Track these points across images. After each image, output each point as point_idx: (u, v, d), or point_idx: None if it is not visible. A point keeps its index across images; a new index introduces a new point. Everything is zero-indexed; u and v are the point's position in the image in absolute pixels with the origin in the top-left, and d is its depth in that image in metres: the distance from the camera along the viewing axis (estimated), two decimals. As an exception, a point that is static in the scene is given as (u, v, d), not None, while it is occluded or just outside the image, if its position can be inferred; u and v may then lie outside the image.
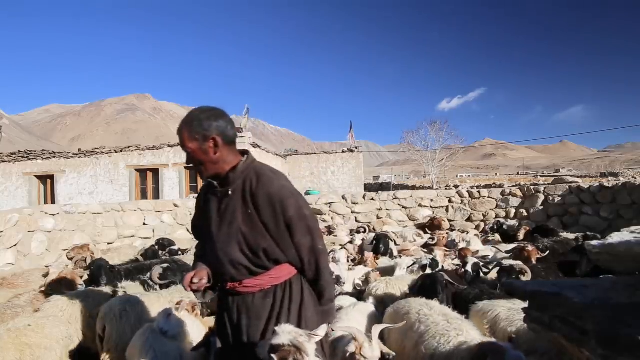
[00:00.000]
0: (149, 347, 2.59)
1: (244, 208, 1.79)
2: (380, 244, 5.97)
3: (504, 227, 7.36)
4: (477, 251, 5.75)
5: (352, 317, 3.09)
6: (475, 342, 2.26)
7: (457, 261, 5.36)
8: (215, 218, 1.85)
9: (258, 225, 1.77)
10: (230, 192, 1.81)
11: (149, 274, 4.51)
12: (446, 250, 6.09)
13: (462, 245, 6.39)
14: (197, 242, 2.09)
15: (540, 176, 40.78)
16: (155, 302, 3.58)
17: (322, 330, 1.72)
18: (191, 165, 1.83)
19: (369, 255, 5.75)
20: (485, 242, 7.02)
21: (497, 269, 4.21)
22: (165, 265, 4.64)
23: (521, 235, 6.86)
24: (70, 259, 6.28)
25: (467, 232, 7.51)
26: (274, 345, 1.61)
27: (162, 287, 4.37)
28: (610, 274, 1.58)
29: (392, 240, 6.25)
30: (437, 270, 4.31)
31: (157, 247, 6.60)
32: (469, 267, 4.30)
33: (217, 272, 1.87)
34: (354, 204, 9.53)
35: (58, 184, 13.61)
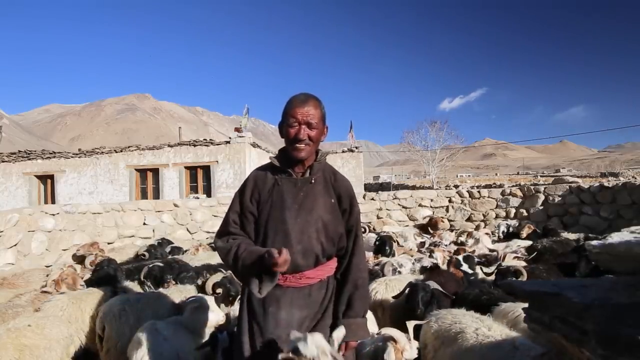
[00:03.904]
0: (144, 347, 2.60)
1: (326, 197, 1.85)
2: (385, 246, 5.96)
3: (511, 229, 7.41)
4: (474, 251, 5.76)
5: None
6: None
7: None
8: (290, 206, 1.80)
9: (338, 215, 1.86)
10: (312, 181, 1.85)
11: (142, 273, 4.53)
12: (449, 252, 6.10)
13: (470, 242, 6.41)
14: (232, 232, 1.86)
15: (541, 176, 40.81)
16: (155, 302, 3.58)
17: (338, 337, 1.69)
18: (301, 138, 1.77)
19: (368, 255, 5.75)
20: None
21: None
22: (160, 264, 4.64)
23: (524, 234, 6.88)
24: (78, 256, 6.24)
25: (467, 232, 7.49)
26: (297, 349, 1.56)
27: (157, 286, 4.38)
28: (610, 274, 1.58)
29: (395, 242, 6.26)
30: (428, 276, 4.07)
31: (157, 246, 6.61)
32: (460, 257, 4.47)
33: None
34: (354, 203, 9.52)
35: (58, 183, 13.62)
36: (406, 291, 3.41)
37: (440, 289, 3.31)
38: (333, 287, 1.88)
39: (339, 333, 1.70)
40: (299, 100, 1.80)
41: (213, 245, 6.70)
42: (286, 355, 1.55)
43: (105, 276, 4.56)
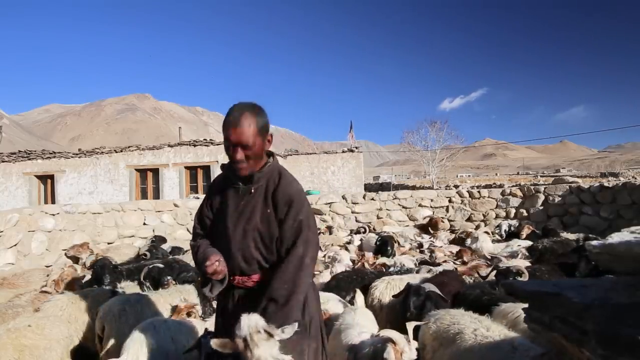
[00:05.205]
0: (136, 344, 2.59)
1: (263, 208, 1.85)
2: (387, 246, 5.97)
3: (512, 228, 7.44)
4: (476, 250, 5.76)
5: (359, 322, 2.92)
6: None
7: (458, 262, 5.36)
8: (232, 214, 1.88)
9: (274, 224, 1.83)
10: (252, 191, 1.86)
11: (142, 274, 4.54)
12: (450, 252, 6.11)
13: (468, 241, 6.39)
14: (199, 233, 2.04)
15: (541, 176, 40.76)
16: (155, 302, 3.58)
17: (290, 329, 1.65)
18: (238, 159, 1.76)
19: (369, 255, 5.76)
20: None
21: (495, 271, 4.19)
22: (160, 265, 4.65)
23: (524, 234, 6.89)
24: (70, 257, 6.28)
25: (467, 232, 7.49)
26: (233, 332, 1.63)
27: (156, 286, 4.38)
28: (610, 274, 1.58)
29: (396, 242, 6.26)
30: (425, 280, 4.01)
31: (155, 245, 6.62)
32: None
33: (227, 266, 1.88)
34: (354, 203, 9.54)
35: (58, 183, 13.62)
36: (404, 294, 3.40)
37: (438, 291, 3.28)
38: None
39: (292, 326, 1.69)
40: (231, 121, 1.75)
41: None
42: (218, 342, 1.63)
43: (94, 276, 4.61)
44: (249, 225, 1.84)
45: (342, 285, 4.10)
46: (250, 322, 1.61)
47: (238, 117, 1.75)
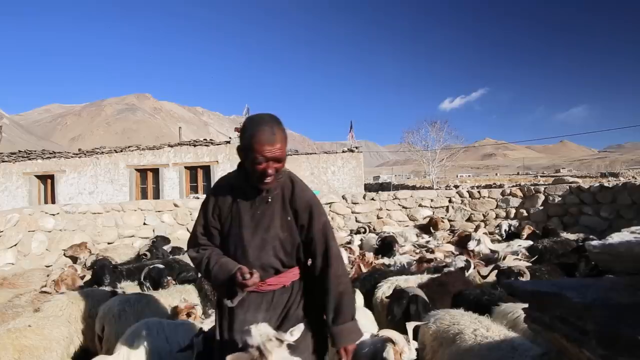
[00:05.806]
0: (129, 343, 2.60)
1: (283, 215, 1.86)
2: (392, 247, 5.97)
3: (512, 228, 7.45)
4: (478, 252, 5.75)
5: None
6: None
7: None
8: (248, 224, 1.85)
9: (295, 230, 1.86)
10: (269, 200, 1.85)
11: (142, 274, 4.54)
12: (451, 252, 6.10)
13: (471, 243, 6.39)
14: (203, 244, 1.96)
15: (541, 176, 40.76)
16: (155, 303, 3.58)
17: (297, 331, 1.73)
18: (270, 174, 1.73)
19: (370, 255, 5.76)
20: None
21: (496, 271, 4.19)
22: (160, 265, 4.64)
23: (524, 234, 6.89)
24: (69, 257, 6.28)
25: (467, 232, 7.48)
26: (246, 342, 1.68)
27: (156, 286, 4.38)
28: (610, 274, 1.58)
29: (396, 242, 6.27)
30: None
31: (156, 245, 6.62)
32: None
33: None
34: (354, 204, 9.53)
35: (58, 183, 13.62)
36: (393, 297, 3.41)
37: (423, 295, 3.27)
38: (298, 291, 1.94)
39: (298, 328, 1.77)
40: (266, 135, 1.70)
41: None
42: (233, 357, 1.66)
43: (94, 276, 4.61)
44: (268, 234, 1.83)
45: (368, 286, 4.11)
46: (261, 331, 1.66)
47: (271, 132, 1.71)
